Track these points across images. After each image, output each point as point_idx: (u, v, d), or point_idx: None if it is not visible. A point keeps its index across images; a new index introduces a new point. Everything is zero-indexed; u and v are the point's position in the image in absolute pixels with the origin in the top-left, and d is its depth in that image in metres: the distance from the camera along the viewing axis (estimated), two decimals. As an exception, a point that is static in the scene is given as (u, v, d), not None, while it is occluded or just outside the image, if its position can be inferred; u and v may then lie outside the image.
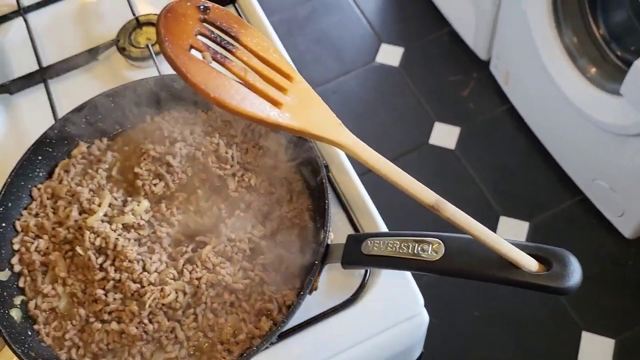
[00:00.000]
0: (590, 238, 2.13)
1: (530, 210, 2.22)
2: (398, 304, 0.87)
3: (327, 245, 0.80)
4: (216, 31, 0.49)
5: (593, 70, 1.88)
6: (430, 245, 0.69)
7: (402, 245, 0.70)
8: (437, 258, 0.67)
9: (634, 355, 1.93)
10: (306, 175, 0.90)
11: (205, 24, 0.50)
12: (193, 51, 0.49)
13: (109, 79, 1.12)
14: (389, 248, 0.71)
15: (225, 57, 0.50)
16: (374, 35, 2.73)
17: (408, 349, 0.92)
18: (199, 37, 0.49)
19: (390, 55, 2.66)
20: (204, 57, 0.49)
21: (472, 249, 0.66)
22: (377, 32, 2.74)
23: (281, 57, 0.52)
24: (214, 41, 0.50)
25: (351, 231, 0.91)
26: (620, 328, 1.97)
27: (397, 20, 2.82)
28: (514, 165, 2.33)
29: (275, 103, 0.49)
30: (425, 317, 0.87)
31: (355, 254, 0.74)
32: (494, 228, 2.19)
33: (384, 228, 0.91)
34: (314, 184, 0.88)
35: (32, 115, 1.10)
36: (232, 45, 0.50)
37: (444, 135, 2.42)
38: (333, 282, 0.89)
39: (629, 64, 1.78)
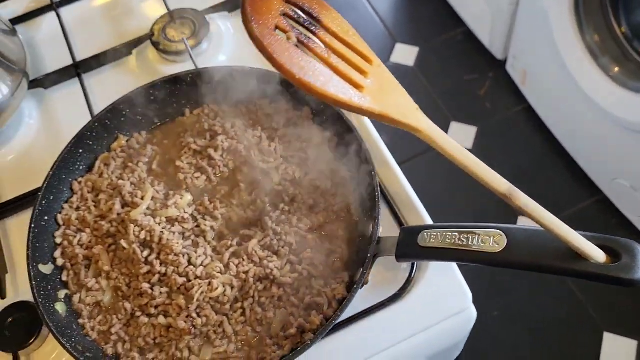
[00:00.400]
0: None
1: (549, 209, 2.20)
2: (446, 298, 0.86)
3: (379, 238, 0.79)
4: (299, 12, 0.48)
5: (616, 68, 1.87)
6: (492, 237, 0.67)
7: (462, 237, 0.69)
8: (499, 250, 0.66)
9: (656, 356, 1.92)
10: (351, 168, 0.89)
11: (288, 4, 0.49)
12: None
13: (143, 74, 1.11)
14: (447, 240, 0.70)
15: (309, 38, 0.49)
16: (389, 35, 2.72)
17: (453, 347, 0.91)
18: (283, 17, 0.48)
19: (405, 54, 2.65)
20: (288, 38, 0.48)
21: (536, 240, 0.65)
22: (391, 31, 2.73)
23: (360, 39, 0.51)
24: (297, 22, 0.49)
25: (394, 224, 0.90)
26: (642, 328, 1.96)
27: (412, 20, 2.81)
28: (530, 164, 2.31)
29: (357, 86, 0.48)
30: (473, 313, 0.86)
31: (411, 246, 0.73)
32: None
33: (429, 221, 0.90)
34: (359, 176, 0.87)
35: (67, 110, 1.10)
36: (314, 26, 0.49)
37: (461, 135, 2.41)
38: (378, 276, 0.87)
39: (651, 61, 1.78)
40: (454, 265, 0.88)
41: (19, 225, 1.00)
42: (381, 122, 0.51)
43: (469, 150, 2.33)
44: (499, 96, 2.49)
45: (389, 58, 2.64)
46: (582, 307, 2.00)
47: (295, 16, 0.48)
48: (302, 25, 0.48)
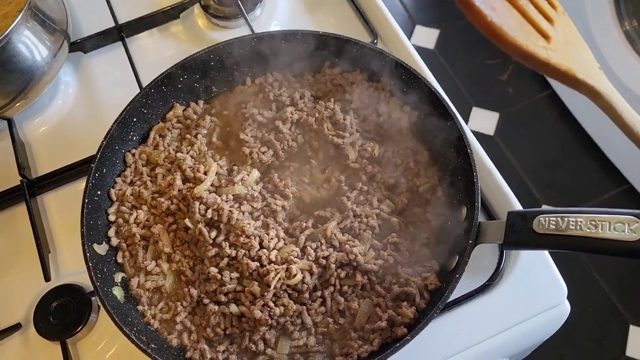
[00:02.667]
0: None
1: (574, 199, 2.15)
2: (539, 291, 0.78)
3: (479, 223, 0.71)
4: None
5: (655, 55, 1.81)
6: (626, 224, 0.60)
7: (589, 223, 0.62)
8: (637, 238, 0.59)
9: (683, 350, 1.88)
10: (434, 145, 0.81)
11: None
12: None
13: (191, 40, 1.02)
14: (570, 227, 0.63)
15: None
16: (408, 17, 2.63)
17: (539, 343, 0.84)
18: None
19: (426, 37, 2.57)
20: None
21: (680, 227, 0.58)
22: (410, 13, 2.64)
23: None
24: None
25: (481, 211, 0.82)
26: (668, 323, 1.92)
27: (432, 2, 2.73)
28: (555, 153, 2.25)
29: (545, 36, 0.41)
30: (567, 308, 0.79)
31: (524, 232, 0.65)
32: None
33: (517, 205, 0.82)
34: (447, 154, 0.79)
35: (108, 76, 1.00)
36: None
37: (483, 121, 2.34)
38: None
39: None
40: (547, 255, 0.81)
41: (57, 201, 0.91)
42: (557, 80, 0.43)
43: (490, 137, 2.28)
44: (522, 82, 2.42)
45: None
46: (608, 300, 1.96)
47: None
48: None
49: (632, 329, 1.91)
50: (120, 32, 1.01)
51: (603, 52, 1.89)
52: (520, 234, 0.66)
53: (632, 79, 1.83)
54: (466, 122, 2.32)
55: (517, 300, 0.78)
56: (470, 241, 0.69)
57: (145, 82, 0.88)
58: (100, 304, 0.69)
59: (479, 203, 0.71)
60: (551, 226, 0.64)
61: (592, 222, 0.62)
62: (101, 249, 0.76)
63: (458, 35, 2.57)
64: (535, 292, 0.78)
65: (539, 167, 2.23)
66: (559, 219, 0.64)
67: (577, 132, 2.24)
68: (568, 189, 2.18)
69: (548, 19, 0.42)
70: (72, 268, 0.83)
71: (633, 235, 0.59)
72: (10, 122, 0.93)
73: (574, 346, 1.91)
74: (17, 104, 0.90)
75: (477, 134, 2.31)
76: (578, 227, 0.62)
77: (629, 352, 1.88)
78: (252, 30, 0.96)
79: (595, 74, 0.44)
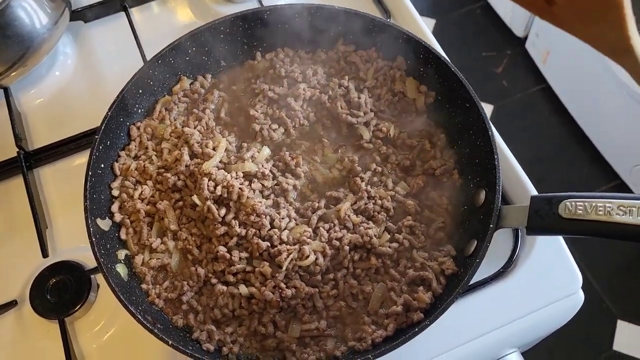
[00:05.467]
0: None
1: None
2: (554, 279, 0.77)
3: (500, 207, 0.69)
4: None
5: (654, 50, 1.81)
6: (656, 211, 0.58)
7: (619, 209, 0.60)
8: (670, 226, 0.57)
9: (670, 346, 1.90)
10: (451, 127, 0.79)
11: None
12: None
13: (195, 14, 0.99)
14: (599, 212, 0.61)
15: None
16: (405, 5, 2.61)
17: (549, 334, 0.82)
18: None
19: (422, 26, 2.55)
20: None
21: None
22: (407, 1, 2.62)
23: None
24: None
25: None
26: (656, 318, 1.94)
27: (429, -9, 2.70)
28: (548, 146, 2.25)
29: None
30: (581, 297, 0.77)
31: (549, 217, 0.63)
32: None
33: (534, 191, 0.80)
34: (465, 136, 0.77)
35: (110, 48, 0.96)
36: None
37: (477, 113, 2.33)
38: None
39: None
40: (562, 242, 0.79)
41: (55, 175, 0.87)
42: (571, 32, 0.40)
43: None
44: (517, 75, 2.41)
45: (404, 29, 2.53)
46: (597, 296, 1.97)
47: None
48: None
49: (620, 323, 1.93)
50: (123, 2, 0.97)
51: (601, 47, 1.88)
52: (545, 219, 0.64)
53: (630, 76, 1.83)
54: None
55: (532, 288, 0.76)
56: (491, 225, 0.67)
57: (150, 54, 0.84)
58: (104, 280, 0.65)
59: (500, 186, 0.69)
60: (578, 211, 0.62)
61: (622, 208, 0.60)
62: (104, 224, 0.72)
63: (454, 26, 2.55)
64: (549, 281, 0.76)
65: (532, 161, 2.23)
66: (586, 204, 0.62)
67: (570, 126, 2.24)
68: (560, 182, 2.18)
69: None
70: (70, 244, 0.80)
71: (663, 222, 0.58)
72: (7, 91, 0.88)
73: (562, 341, 1.91)
74: (14, 73, 0.85)
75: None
76: (607, 213, 0.60)
77: (616, 347, 1.89)
78: (260, 2, 0.93)
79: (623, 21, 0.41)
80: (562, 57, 2.17)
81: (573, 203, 0.63)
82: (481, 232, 0.68)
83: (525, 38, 2.39)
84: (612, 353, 1.87)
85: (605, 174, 2.16)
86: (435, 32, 2.52)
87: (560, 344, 1.93)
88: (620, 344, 1.91)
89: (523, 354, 0.86)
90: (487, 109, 2.35)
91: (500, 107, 2.35)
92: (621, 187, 2.11)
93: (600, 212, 0.61)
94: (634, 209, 0.59)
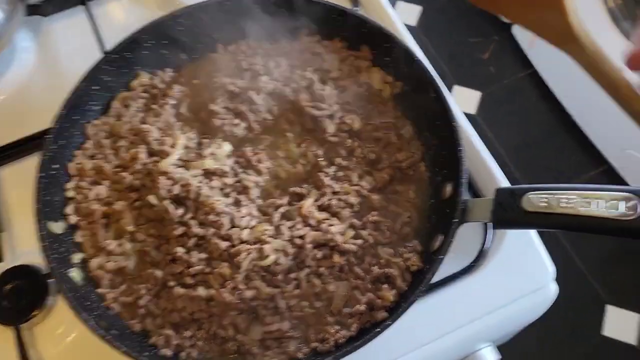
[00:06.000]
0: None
1: (553, 179, 2.14)
2: (525, 273, 0.75)
3: (465, 201, 0.66)
4: None
5: (639, 33, 1.79)
6: (623, 202, 0.56)
7: (582, 201, 0.58)
8: (634, 217, 0.55)
9: (659, 330, 1.89)
10: (418, 118, 0.77)
11: None
12: None
13: (160, 4, 0.95)
14: (562, 204, 0.58)
15: None
16: (389, -9, 2.57)
17: (522, 327, 0.80)
18: None
19: (407, 13, 2.52)
20: None
21: (680, 205, 0.54)
22: (392, -12, 2.58)
23: None
24: None
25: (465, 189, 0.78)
26: (645, 302, 1.93)
27: (414, -23, 2.67)
28: (536, 132, 2.23)
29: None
30: (554, 290, 0.76)
31: (514, 211, 0.61)
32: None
33: (505, 183, 0.78)
34: (431, 128, 0.74)
35: (70, 43, 0.93)
36: None
37: (464, 99, 2.31)
38: (447, 245, 0.76)
39: (678, 26, 1.69)
40: (533, 234, 0.77)
41: (13, 176, 0.84)
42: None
43: (472, 115, 2.24)
44: (504, 60, 2.39)
45: (389, 16, 2.50)
46: (585, 281, 1.96)
47: None
48: None
49: (609, 308, 1.92)
50: (82, -6, 0.94)
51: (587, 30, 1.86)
52: (509, 212, 0.62)
53: (615, 58, 1.80)
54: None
55: (502, 282, 0.74)
56: (455, 220, 0.65)
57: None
58: (59, 287, 0.63)
59: (465, 179, 0.67)
60: (542, 204, 0.60)
61: (586, 200, 0.58)
62: (58, 227, 0.70)
63: (440, 12, 2.52)
64: (520, 274, 0.75)
65: (520, 146, 2.21)
66: (550, 196, 0.60)
67: (558, 112, 2.22)
68: (548, 169, 2.17)
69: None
70: (28, 247, 0.77)
71: (630, 213, 0.55)
72: (-38, 90, 0.86)
73: (551, 327, 1.91)
74: (-32, 70, 0.83)
75: (458, 113, 2.28)
76: (570, 205, 0.58)
77: (606, 332, 1.89)
78: (224, -7, 0.89)
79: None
80: (548, 41, 2.14)
81: (537, 196, 0.60)
82: (447, 226, 0.66)
83: (511, 23, 2.36)
84: (602, 338, 1.87)
85: (593, 159, 2.14)
86: (422, 19, 2.49)
87: (549, 330, 1.92)
88: (609, 329, 1.90)
89: (509, 343, 0.85)
90: (475, 95, 2.32)
91: (488, 93, 2.33)
92: (609, 172, 2.10)
93: (564, 205, 0.58)
94: (597, 200, 0.57)
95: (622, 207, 0.56)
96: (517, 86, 2.34)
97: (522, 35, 2.29)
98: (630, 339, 1.86)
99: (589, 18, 1.68)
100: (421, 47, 0.89)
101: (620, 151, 2.01)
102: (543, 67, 2.25)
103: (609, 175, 2.11)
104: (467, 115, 2.28)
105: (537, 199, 0.60)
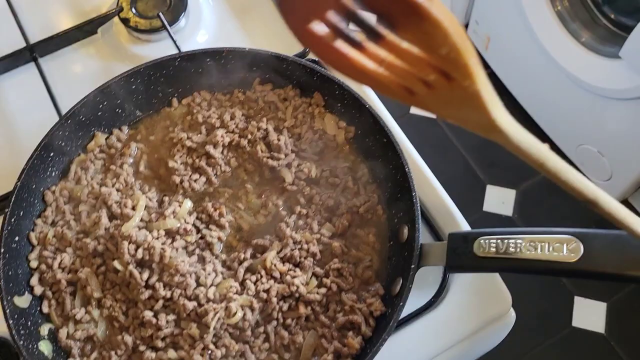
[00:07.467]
0: (576, 202, 2.12)
1: (516, 177, 2.19)
2: (484, 303, 0.78)
3: (421, 245, 0.69)
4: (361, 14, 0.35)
5: (586, 34, 1.84)
6: (565, 245, 0.59)
7: (528, 245, 0.61)
8: (576, 259, 0.58)
9: (625, 316, 1.96)
10: (374, 162, 0.79)
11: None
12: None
13: (113, 56, 0.95)
14: (510, 249, 0.62)
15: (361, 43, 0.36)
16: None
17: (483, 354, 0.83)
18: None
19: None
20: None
21: (619, 246, 0.57)
22: None
23: (457, 55, 0.38)
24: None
25: (424, 228, 0.80)
26: (611, 291, 1.99)
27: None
28: (497, 132, 2.28)
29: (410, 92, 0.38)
30: (513, 317, 0.79)
31: (466, 256, 0.64)
32: (481, 197, 2.15)
33: (465, 224, 0.81)
34: (385, 171, 0.77)
35: (22, 102, 0.92)
36: (377, 36, 0.36)
37: (424, 105, 2.34)
38: (408, 282, 0.78)
39: (621, 27, 1.75)
40: (491, 266, 0.80)
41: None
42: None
43: (434, 120, 2.28)
44: (462, 63, 2.43)
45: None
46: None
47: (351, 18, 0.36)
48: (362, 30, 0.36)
49: (577, 299, 1.98)
50: (32, 53, 0.93)
51: (537, 33, 1.91)
52: (462, 258, 0.65)
53: (566, 59, 1.86)
54: (409, 106, 2.32)
55: (463, 314, 0.77)
56: (412, 265, 0.67)
57: (64, 105, 0.81)
58: (26, 363, 0.64)
59: (419, 224, 0.70)
60: (492, 249, 0.63)
61: (532, 244, 0.61)
62: (23, 300, 0.70)
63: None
64: (480, 305, 0.77)
65: (481, 146, 2.26)
66: (499, 241, 0.63)
67: (517, 112, 2.27)
68: (510, 167, 2.22)
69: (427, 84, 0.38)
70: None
71: (571, 255, 0.59)
72: None
73: (520, 321, 1.95)
74: None
75: (420, 118, 2.31)
76: (518, 249, 0.61)
77: (575, 323, 1.95)
78: (175, 43, 0.90)
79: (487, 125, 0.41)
80: (501, 42, 2.19)
81: (487, 241, 0.63)
82: (405, 270, 0.68)
83: (467, 26, 2.40)
84: (572, 329, 1.93)
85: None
86: (377, 26, 2.51)
87: (518, 325, 1.97)
88: (578, 319, 1.96)
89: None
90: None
91: (447, 96, 2.36)
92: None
93: (512, 249, 0.62)
94: (542, 244, 0.60)
95: (564, 249, 0.59)
96: (476, 87, 2.38)
97: (477, 37, 2.33)
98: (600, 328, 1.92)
99: (538, 22, 1.73)
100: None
101: (576, 147, 2.07)
102: (499, 67, 2.30)
103: (569, 170, 2.17)
104: (429, 120, 2.31)
105: (488, 244, 0.63)
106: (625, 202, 2.11)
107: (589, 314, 1.97)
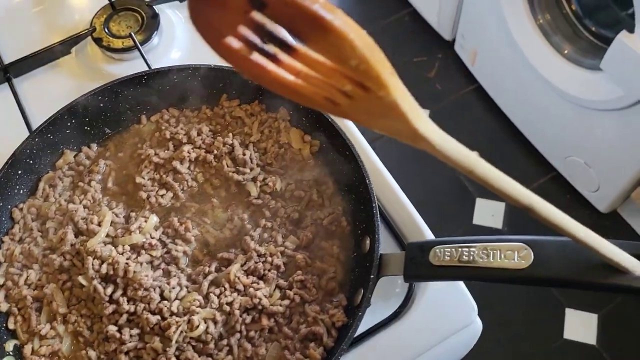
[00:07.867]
0: (565, 214, 2.13)
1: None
2: (450, 312, 0.78)
3: (380, 255, 0.70)
4: (271, 27, 0.36)
5: (568, 47, 1.86)
6: (515, 252, 0.60)
7: (481, 252, 0.61)
8: (526, 266, 0.59)
9: (617, 327, 1.95)
10: (338, 175, 0.80)
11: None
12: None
13: (86, 75, 0.97)
14: (464, 257, 0.62)
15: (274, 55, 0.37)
16: (333, 18, 2.62)
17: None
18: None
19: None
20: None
21: (567, 253, 0.58)
22: (335, 14, 2.63)
23: (367, 66, 0.39)
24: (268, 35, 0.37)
25: (391, 238, 0.81)
26: (602, 302, 1.98)
27: (356, 2, 2.73)
28: (485, 144, 2.29)
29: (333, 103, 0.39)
30: (479, 326, 0.79)
31: (422, 265, 0.65)
32: (471, 210, 2.15)
33: (429, 234, 0.81)
34: (349, 184, 0.78)
35: (-4, 121, 0.94)
36: (289, 48, 0.37)
37: (414, 119, 2.36)
38: (375, 292, 0.79)
39: (602, 39, 1.77)
40: (456, 276, 0.80)
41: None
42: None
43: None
44: (449, 77, 2.45)
45: (334, 42, 2.55)
46: (543, 287, 2.00)
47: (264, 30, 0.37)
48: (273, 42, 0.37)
49: (568, 311, 1.97)
50: (6, 73, 0.95)
51: (521, 47, 1.93)
52: (418, 267, 0.65)
53: (549, 72, 1.88)
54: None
55: (429, 324, 0.77)
56: (372, 275, 0.68)
57: (37, 125, 0.83)
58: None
59: (379, 235, 0.70)
60: (446, 257, 0.64)
61: (484, 252, 0.62)
62: (-12, 317, 0.71)
63: (384, 34, 2.58)
64: (445, 314, 0.78)
65: (471, 160, 2.26)
66: (453, 250, 0.63)
67: (504, 123, 2.29)
68: (499, 180, 2.22)
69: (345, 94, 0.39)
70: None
71: (522, 262, 0.59)
72: None
73: (511, 334, 1.95)
74: None
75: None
76: (471, 257, 0.62)
77: (567, 335, 1.94)
78: (146, 62, 0.92)
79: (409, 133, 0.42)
80: (487, 56, 2.21)
81: (442, 250, 0.64)
82: (366, 280, 0.69)
83: (454, 40, 2.43)
84: (563, 342, 1.92)
85: (541, 167, 2.21)
86: (366, 42, 2.53)
87: (510, 338, 1.96)
88: (570, 332, 1.95)
89: (474, 350, 0.87)
90: (424, 113, 2.37)
91: (436, 110, 2.38)
92: (558, 179, 2.17)
93: (465, 258, 0.62)
94: (494, 251, 0.61)
95: (515, 257, 0.60)
96: (463, 101, 2.41)
97: (463, 51, 2.36)
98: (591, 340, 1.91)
99: (521, 36, 1.74)
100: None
101: (564, 158, 2.07)
102: (485, 81, 2.32)
103: (558, 182, 2.18)
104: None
105: (443, 253, 0.64)
106: (614, 214, 2.11)
107: (581, 326, 1.96)
